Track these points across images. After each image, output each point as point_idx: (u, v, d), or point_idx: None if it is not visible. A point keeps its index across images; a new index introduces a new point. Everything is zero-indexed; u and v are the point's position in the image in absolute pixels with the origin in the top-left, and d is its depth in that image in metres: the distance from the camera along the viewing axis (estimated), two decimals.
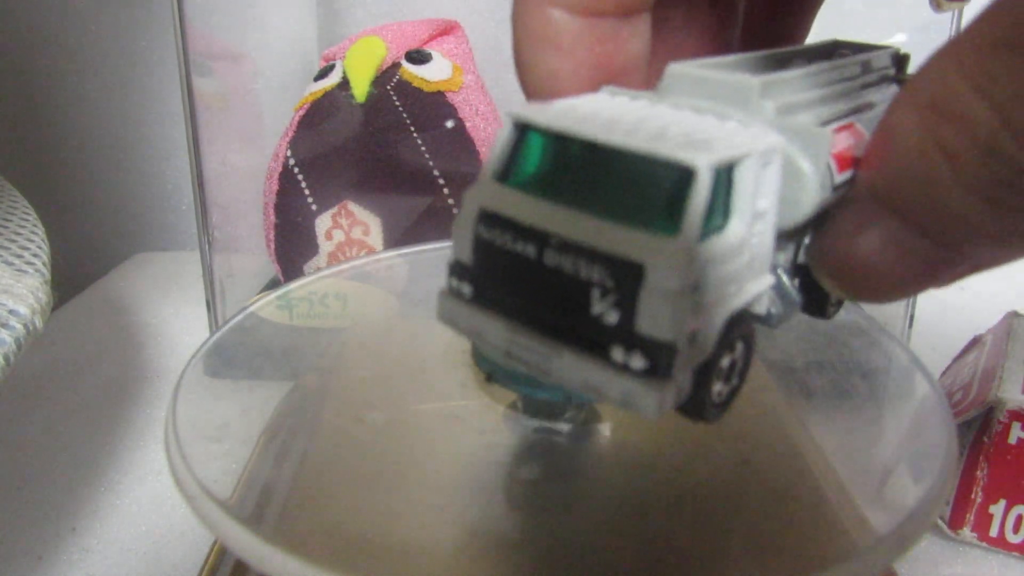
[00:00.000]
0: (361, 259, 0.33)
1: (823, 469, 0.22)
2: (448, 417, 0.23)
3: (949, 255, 0.13)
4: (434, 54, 0.41)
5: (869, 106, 0.16)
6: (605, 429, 0.23)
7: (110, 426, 0.37)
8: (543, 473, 0.21)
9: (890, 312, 0.38)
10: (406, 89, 0.39)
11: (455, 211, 0.38)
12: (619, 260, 0.12)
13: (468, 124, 0.39)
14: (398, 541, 0.19)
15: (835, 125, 0.15)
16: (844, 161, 0.14)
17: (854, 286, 0.14)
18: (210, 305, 0.39)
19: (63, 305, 0.51)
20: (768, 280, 0.15)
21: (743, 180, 0.13)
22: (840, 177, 0.14)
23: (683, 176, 0.12)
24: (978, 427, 0.28)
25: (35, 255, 0.29)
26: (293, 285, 0.29)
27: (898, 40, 0.38)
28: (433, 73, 0.40)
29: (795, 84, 0.16)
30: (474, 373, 0.24)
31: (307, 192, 0.38)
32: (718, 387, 0.14)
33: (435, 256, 0.31)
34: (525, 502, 0.21)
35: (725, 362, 0.14)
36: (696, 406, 0.14)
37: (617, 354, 0.13)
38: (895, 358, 0.25)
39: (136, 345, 0.45)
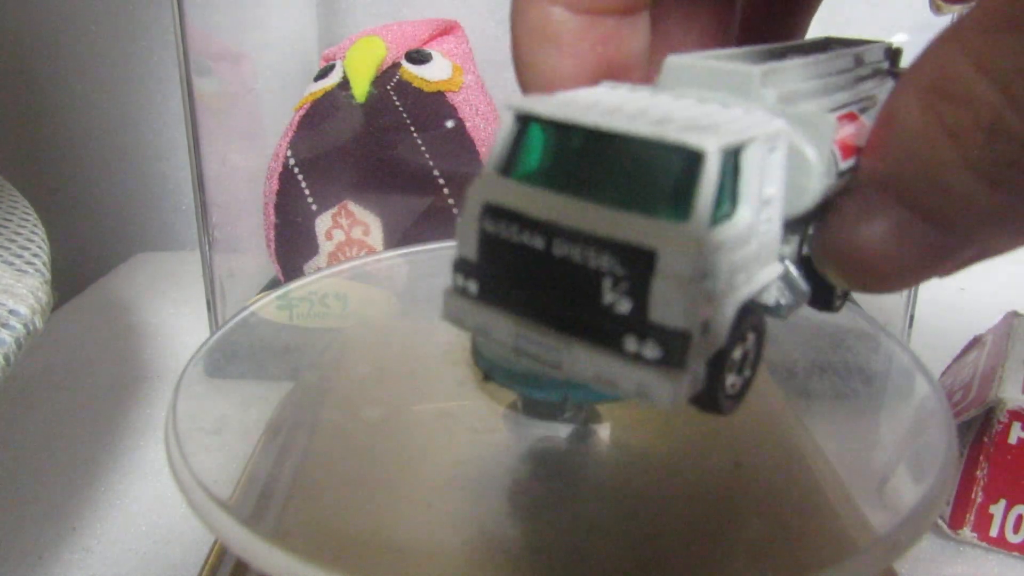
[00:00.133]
0: (361, 259, 0.33)
1: (823, 469, 0.22)
2: (448, 417, 0.23)
3: (953, 241, 0.13)
4: (434, 54, 0.41)
5: (866, 99, 0.16)
6: (606, 430, 0.23)
7: (110, 426, 0.37)
8: (541, 473, 0.21)
9: (890, 312, 0.38)
10: (406, 89, 0.39)
11: (455, 211, 0.38)
12: (629, 248, 0.12)
13: (468, 124, 0.39)
14: (398, 541, 0.19)
15: (838, 113, 0.15)
16: (847, 149, 0.14)
17: (857, 276, 0.14)
18: (210, 305, 0.39)
19: (63, 305, 0.51)
20: (776, 269, 0.14)
21: (750, 165, 0.13)
22: (844, 164, 0.14)
23: (691, 160, 0.12)
24: (978, 427, 0.28)
25: (35, 255, 0.29)
26: (293, 285, 0.29)
27: (898, 40, 0.38)
28: (433, 73, 0.40)
29: (795, 73, 0.15)
30: (474, 373, 0.24)
31: (307, 192, 0.38)
32: (731, 378, 0.14)
33: (435, 256, 0.31)
34: (523, 502, 0.21)
35: (737, 353, 0.14)
36: (710, 398, 0.14)
37: (630, 344, 0.12)
38: (895, 358, 0.25)
39: (136, 345, 0.45)
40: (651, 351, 0.12)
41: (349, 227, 0.38)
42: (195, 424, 0.20)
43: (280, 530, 0.20)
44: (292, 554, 0.15)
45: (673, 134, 0.12)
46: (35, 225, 0.31)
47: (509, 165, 0.14)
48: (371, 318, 0.31)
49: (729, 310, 0.13)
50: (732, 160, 0.13)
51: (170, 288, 0.53)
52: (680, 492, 0.21)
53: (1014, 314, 0.34)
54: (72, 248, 0.60)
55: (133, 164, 0.61)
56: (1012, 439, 0.27)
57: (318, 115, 0.39)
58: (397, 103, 0.39)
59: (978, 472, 0.28)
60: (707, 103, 0.14)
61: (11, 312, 0.25)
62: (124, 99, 0.59)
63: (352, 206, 0.38)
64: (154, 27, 0.57)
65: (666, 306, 0.12)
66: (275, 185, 0.39)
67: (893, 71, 0.19)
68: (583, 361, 0.13)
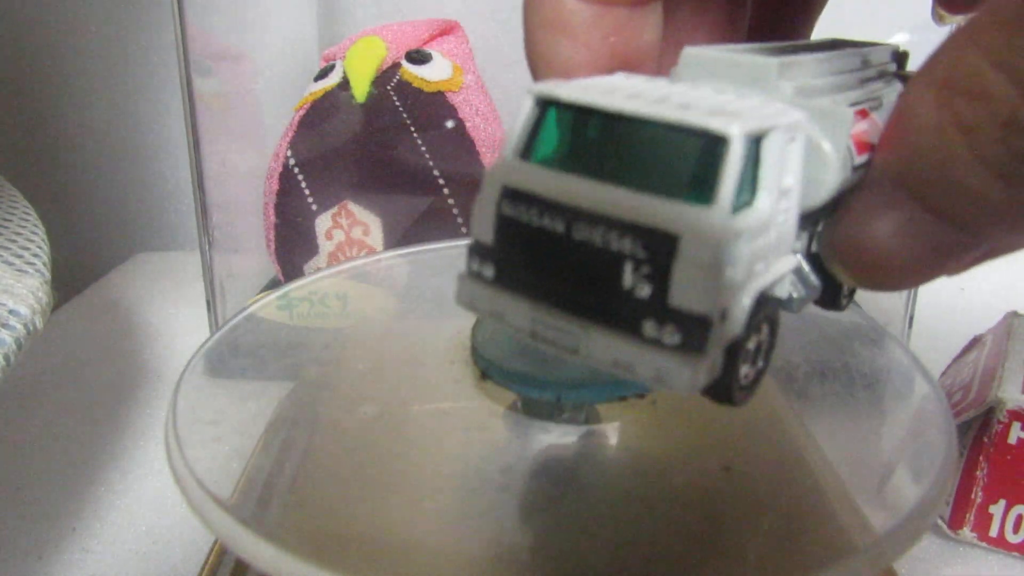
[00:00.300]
0: (361, 259, 0.33)
1: (823, 469, 0.22)
2: (448, 416, 0.23)
3: (965, 238, 0.13)
4: (434, 54, 0.41)
5: (874, 99, 0.16)
6: (606, 430, 0.23)
7: (110, 426, 0.37)
8: (539, 474, 0.21)
9: (890, 312, 0.38)
10: (406, 89, 0.39)
11: (455, 211, 0.38)
12: (652, 231, 0.12)
13: (468, 124, 0.39)
14: (398, 541, 0.19)
15: (854, 108, 0.15)
16: (861, 145, 0.14)
17: (867, 273, 0.14)
18: (210, 305, 0.39)
19: (63, 305, 0.51)
20: (791, 261, 0.14)
21: (770, 154, 0.13)
22: (858, 160, 0.14)
23: (716, 144, 0.12)
24: (978, 427, 0.28)
25: (35, 255, 0.29)
26: (293, 285, 0.29)
27: (899, 39, 0.38)
28: (433, 73, 0.40)
29: (811, 68, 0.15)
30: (474, 373, 0.24)
31: (307, 192, 0.38)
32: (745, 369, 0.14)
33: (435, 256, 0.31)
34: (522, 503, 0.21)
35: (752, 343, 0.14)
36: (724, 388, 0.13)
37: (649, 329, 0.12)
38: (895, 358, 0.25)
39: (136, 345, 0.45)
40: (670, 336, 0.12)
41: (349, 227, 0.38)
42: (195, 424, 0.20)
43: (280, 530, 0.20)
44: (292, 554, 0.15)
45: (697, 118, 0.12)
46: (35, 225, 0.31)
47: (528, 149, 0.14)
48: (371, 318, 0.31)
49: (747, 299, 0.13)
50: (754, 147, 0.13)
51: (170, 288, 0.53)
52: (680, 492, 0.21)
53: (1014, 314, 0.34)
54: (72, 248, 0.60)
55: (133, 164, 0.61)
56: (1012, 439, 0.27)
57: (318, 115, 0.39)
58: (397, 103, 0.39)
59: (978, 472, 0.28)
60: (725, 93, 0.14)
61: (11, 312, 0.25)
62: (124, 99, 0.59)
63: (352, 206, 0.38)
64: (154, 27, 0.57)
65: (687, 291, 0.12)
66: (275, 185, 0.39)
67: (900, 74, 0.19)
68: (601, 346, 0.13)
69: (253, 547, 0.16)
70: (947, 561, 0.29)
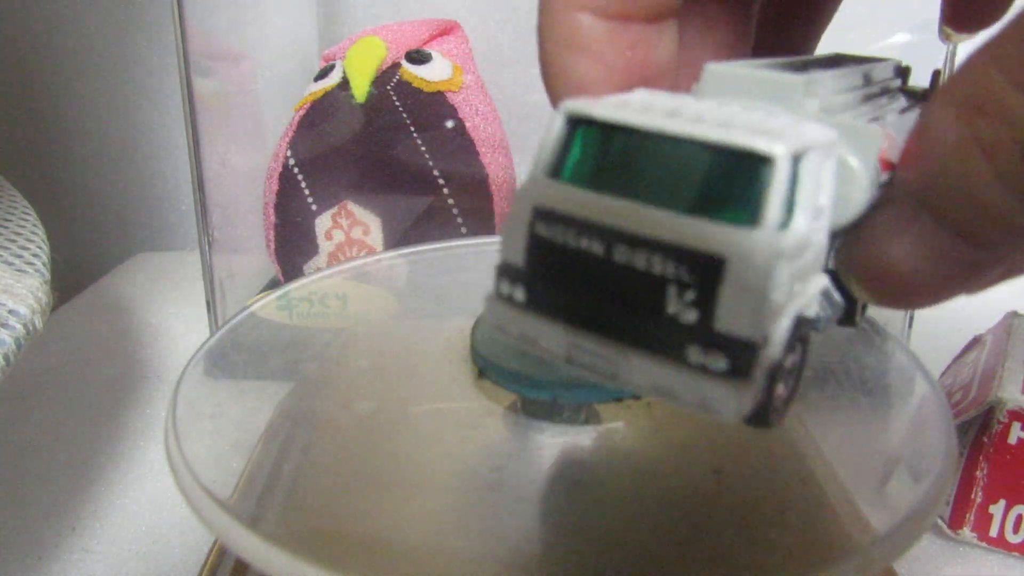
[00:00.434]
0: (361, 259, 0.33)
1: (823, 469, 0.22)
2: (448, 418, 0.23)
3: (984, 257, 0.13)
4: (434, 54, 0.41)
5: (886, 114, 0.16)
6: (602, 432, 0.23)
7: (110, 426, 0.37)
8: (532, 475, 0.21)
9: (890, 312, 0.38)
10: (406, 89, 0.39)
11: (455, 211, 0.38)
12: (697, 254, 0.12)
13: (468, 124, 0.39)
14: (399, 541, 0.19)
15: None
16: (883, 163, 0.14)
17: (886, 291, 0.14)
18: (210, 305, 0.39)
19: (63, 305, 0.51)
20: (822, 281, 0.14)
21: (808, 174, 0.13)
22: (882, 177, 0.14)
23: (761, 164, 0.12)
24: (978, 427, 0.28)
25: (35, 255, 0.29)
26: (293, 285, 0.29)
27: (899, 40, 0.38)
28: (433, 73, 0.40)
29: (831, 85, 0.15)
30: (473, 372, 0.24)
31: (307, 192, 0.38)
32: (780, 391, 0.14)
33: (435, 256, 0.31)
34: (521, 504, 0.21)
35: (788, 366, 0.13)
36: (761, 412, 0.13)
37: (694, 354, 0.12)
38: (895, 358, 0.25)
39: (136, 345, 0.45)
40: (716, 362, 0.12)
41: (349, 227, 0.38)
42: (195, 424, 0.20)
43: (280, 530, 0.20)
44: (292, 554, 0.15)
45: (741, 138, 0.12)
46: (35, 225, 0.31)
47: (559, 168, 0.14)
48: (371, 318, 0.31)
49: (786, 322, 0.13)
50: (794, 167, 0.13)
51: (170, 288, 0.53)
52: (669, 495, 0.21)
53: (1014, 314, 0.34)
54: (72, 248, 0.60)
55: (133, 164, 0.61)
56: (1012, 439, 0.27)
57: (318, 115, 0.39)
58: (397, 103, 0.39)
59: (978, 472, 0.28)
60: (755, 111, 0.14)
61: (11, 312, 0.25)
62: (124, 99, 0.59)
63: (352, 206, 0.38)
64: (154, 27, 0.57)
65: (734, 315, 0.12)
66: (275, 185, 0.39)
67: (904, 89, 0.19)
68: (641, 371, 0.13)
69: (253, 547, 0.16)
70: (947, 561, 0.29)
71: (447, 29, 0.44)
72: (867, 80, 0.17)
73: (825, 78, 0.15)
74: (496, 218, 0.40)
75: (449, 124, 0.39)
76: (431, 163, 0.38)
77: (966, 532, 0.29)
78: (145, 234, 0.62)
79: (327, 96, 0.39)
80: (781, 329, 0.12)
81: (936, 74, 0.20)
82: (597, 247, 0.13)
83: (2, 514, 0.31)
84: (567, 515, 0.20)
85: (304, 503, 0.21)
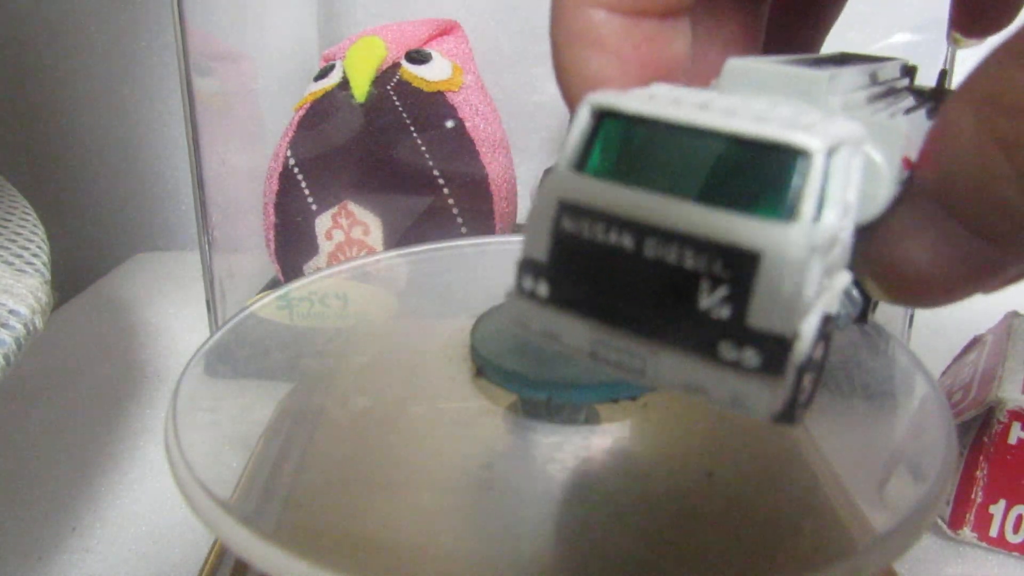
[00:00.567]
0: (361, 259, 0.33)
1: (823, 469, 0.22)
2: (447, 418, 0.23)
3: (1003, 255, 0.13)
4: (434, 54, 0.41)
5: (895, 113, 0.16)
6: (597, 432, 0.23)
7: (110, 426, 0.37)
8: (524, 474, 0.21)
9: (890, 312, 0.38)
10: (406, 89, 0.39)
11: (455, 211, 0.38)
12: (731, 248, 0.12)
13: (468, 124, 0.39)
14: (399, 541, 0.19)
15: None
16: (904, 160, 0.14)
17: (902, 290, 0.14)
18: (210, 305, 0.39)
19: (63, 305, 0.51)
20: (846, 278, 0.14)
21: (839, 169, 0.13)
22: (904, 175, 0.14)
23: (797, 159, 0.12)
24: (978, 427, 0.28)
25: (35, 255, 0.29)
26: (293, 285, 0.29)
27: (900, 39, 0.38)
28: (433, 73, 0.40)
29: (851, 82, 0.15)
30: (472, 372, 0.24)
31: (307, 192, 0.38)
32: (805, 387, 0.13)
33: (435, 256, 0.31)
34: (522, 505, 0.21)
35: (815, 362, 0.13)
36: (788, 408, 0.13)
37: (726, 351, 0.12)
38: (895, 358, 0.25)
39: (136, 345, 0.45)
40: (750, 358, 0.12)
41: (349, 227, 0.38)
42: (195, 424, 0.20)
43: (280, 530, 0.20)
44: (292, 554, 0.15)
45: (777, 132, 0.12)
46: (35, 225, 0.31)
47: (584, 161, 0.13)
48: (371, 318, 0.31)
49: (816, 318, 0.12)
50: (827, 162, 0.12)
51: (170, 288, 0.53)
52: (684, 489, 0.21)
53: (1014, 314, 0.34)
54: (72, 248, 0.60)
55: (133, 164, 0.61)
56: (1012, 439, 0.27)
57: (318, 115, 0.39)
58: (397, 103, 0.39)
59: (978, 472, 0.28)
60: (782, 106, 0.14)
61: (11, 312, 0.25)
62: (124, 99, 0.59)
63: (352, 206, 0.38)
64: (154, 27, 0.57)
65: (768, 311, 0.11)
66: (275, 185, 0.39)
67: (911, 88, 0.19)
68: (670, 368, 0.12)
69: (253, 547, 0.16)
70: (947, 561, 0.29)
71: (447, 29, 0.44)
72: (874, 79, 0.17)
73: (845, 75, 0.15)
74: (496, 218, 0.40)
75: (449, 124, 0.39)
76: (431, 163, 0.38)
77: (966, 532, 0.29)
78: (145, 234, 0.62)
79: (327, 96, 0.40)
80: (811, 325, 0.12)
81: (943, 74, 0.20)
82: (627, 241, 0.12)
83: (2, 514, 0.31)
84: (558, 515, 0.20)
85: (304, 503, 0.21)
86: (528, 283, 0.14)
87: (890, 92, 0.18)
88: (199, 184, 0.37)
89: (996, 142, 0.12)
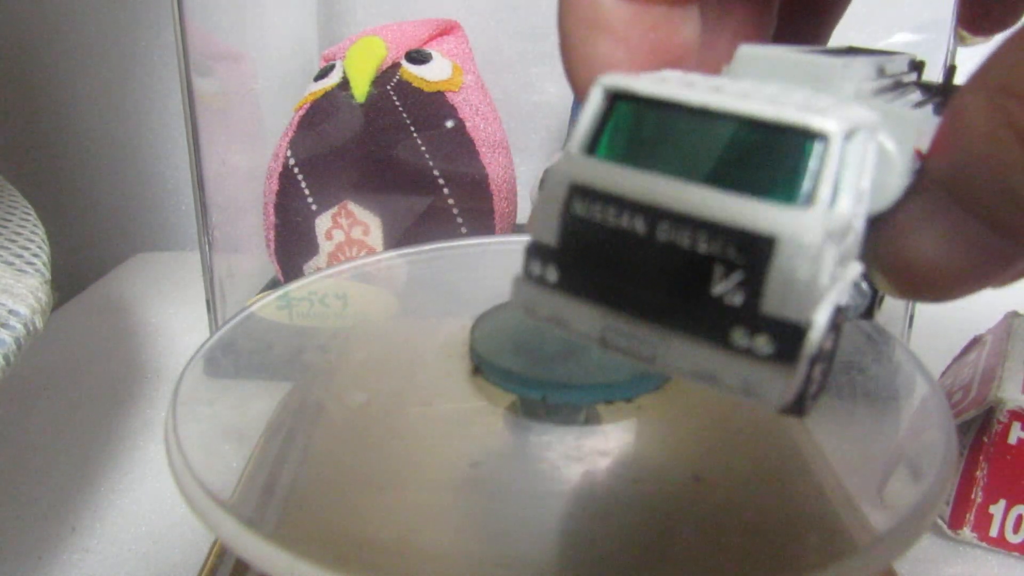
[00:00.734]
0: (361, 259, 0.33)
1: (822, 468, 0.22)
2: (447, 418, 0.23)
3: (1015, 248, 0.13)
4: (434, 54, 0.41)
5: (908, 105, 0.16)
6: (593, 433, 0.22)
7: (110, 426, 0.37)
8: (517, 474, 0.21)
9: (890, 312, 0.38)
10: (406, 89, 0.39)
11: (455, 211, 0.38)
12: (746, 233, 0.11)
13: (468, 124, 0.39)
14: (398, 541, 0.19)
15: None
16: (916, 150, 0.14)
17: (911, 283, 0.14)
18: (210, 305, 0.39)
19: (63, 305, 0.51)
20: (857, 268, 0.13)
21: (854, 155, 0.12)
22: (916, 165, 0.14)
23: (813, 142, 0.12)
24: (978, 427, 0.28)
25: (35, 255, 0.29)
26: (293, 285, 0.29)
27: (900, 39, 0.38)
28: (433, 73, 0.40)
29: (863, 71, 0.15)
30: (470, 370, 0.24)
31: (307, 192, 0.38)
32: (816, 379, 0.13)
33: (435, 256, 0.31)
34: (523, 506, 0.21)
35: (826, 352, 0.13)
36: (798, 399, 0.13)
37: (738, 337, 0.12)
38: (895, 358, 0.25)
39: (136, 345, 0.45)
40: (762, 346, 0.11)
41: (349, 227, 0.38)
42: (195, 424, 0.20)
43: (280, 530, 0.20)
44: (292, 554, 0.15)
45: (795, 115, 0.12)
46: (35, 225, 0.31)
47: (595, 144, 0.13)
48: (371, 318, 0.31)
49: (829, 306, 0.12)
50: (843, 147, 0.12)
51: (170, 288, 0.53)
52: (685, 486, 0.21)
53: (1014, 314, 0.34)
54: (72, 248, 0.60)
55: (133, 164, 0.61)
56: (1012, 439, 0.27)
57: (318, 115, 0.39)
58: (397, 103, 0.39)
59: (978, 472, 0.28)
60: (795, 91, 0.13)
61: (11, 312, 0.25)
62: (124, 99, 0.59)
63: (352, 206, 0.38)
64: (154, 27, 0.57)
65: (782, 297, 0.11)
66: (275, 185, 0.39)
67: (919, 83, 0.19)
68: (681, 354, 0.12)
69: (253, 547, 0.16)
70: (947, 561, 0.29)
71: (447, 29, 0.44)
72: (882, 72, 0.17)
73: (857, 64, 0.15)
74: (496, 218, 0.40)
75: (449, 124, 0.39)
76: (431, 163, 0.38)
77: (966, 532, 0.29)
78: (145, 234, 0.62)
79: (327, 96, 0.40)
80: (825, 314, 0.12)
81: (951, 69, 0.20)
82: (639, 225, 0.12)
83: (2, 514, 0.31)
84: (548, 515, 0.20)
85: (305, 502, 0.21)
86: (536, 268, 0.13)
87: (898, 86, 0.18)
88: (199, 184, 0.37)
89: (1010, 132, 0.12)
